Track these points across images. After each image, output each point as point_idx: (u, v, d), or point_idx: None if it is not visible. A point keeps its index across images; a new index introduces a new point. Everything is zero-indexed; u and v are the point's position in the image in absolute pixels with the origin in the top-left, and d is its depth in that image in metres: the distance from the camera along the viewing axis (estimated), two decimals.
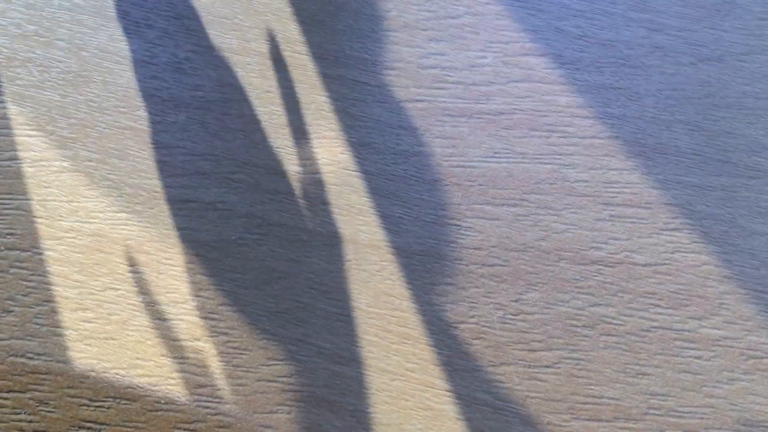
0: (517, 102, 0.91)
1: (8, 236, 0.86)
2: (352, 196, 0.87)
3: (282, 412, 0.76)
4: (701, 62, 0.92)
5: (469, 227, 0.84)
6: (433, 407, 0.76)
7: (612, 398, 0.75)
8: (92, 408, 0.77)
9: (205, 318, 0.80)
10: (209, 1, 1.00)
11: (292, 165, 0.89)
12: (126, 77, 0.95)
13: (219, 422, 0.76)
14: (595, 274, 0.80)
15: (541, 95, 0.91)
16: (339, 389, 0.77)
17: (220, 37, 0.98)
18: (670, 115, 0.90)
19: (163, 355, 0.79)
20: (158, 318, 0.81)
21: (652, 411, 0.74)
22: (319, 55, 0.96)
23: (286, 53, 0.96)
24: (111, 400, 0.77)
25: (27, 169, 0.90)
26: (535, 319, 0.79)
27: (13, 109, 0.94)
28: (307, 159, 0.89)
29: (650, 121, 0.89)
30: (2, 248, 0.85)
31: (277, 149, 0.90)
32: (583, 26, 0.96)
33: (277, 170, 0.88)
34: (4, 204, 0.88)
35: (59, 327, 0.81)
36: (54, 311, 0.81)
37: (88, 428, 0.76)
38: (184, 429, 0.76)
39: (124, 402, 0.77)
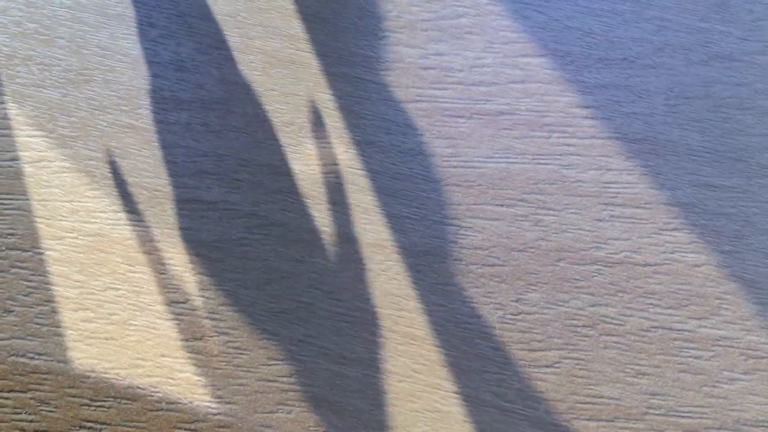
0: (517, 102, 0.93)
1: (9, 236, 0.87)
2: (356, 195, 0.88)
3: (282, 412, 0.77)
4: (712, 60, 0.94)
5: (469, 227, 0.86)
6: (441, 409, 0.77)
7: (612, 398, 0.76)
8: (93, 408, 0.78)
9: (206, 318, 0.82)
10: None
11: (295, 164, 0.90)
12: (127, 75, 0.97)
13: (219, 422, 0.77)
14: (595, 274, 0.82)
15: (542, 95, 0.93)
16: (342, 390, 0.78)
17: (223, 35, 0.99)
18: (681, 113, 0.91)
19: (163, 355, 0.80)
20: (159, 318, 0.82)
21: (652, 411, 0.76)
22: (323, 52, 0.98)
23: (290, 51, 0.98)
24: (112, 399, 0.79)
25: (28, 169, 0.92)
26: (535, 319, 0.80)
27: (13, 108, 0.95)
28: (310, 158, 0.91)
29: (661, 119, 0.91)
30: (3, 248, 0.87)
31: (280, 148, 0.92)
32: (591, 24, 0.98)
33: (280, 169, 0.90)
34: (5, 204, 0.89)
35: (60, 327, 0.82)
36: (55, 311, 0.83)
37: (89, 428, 0.77)
38: (185, 428, 0.77)
39: (125, 402, 0.78)
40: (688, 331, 0.78)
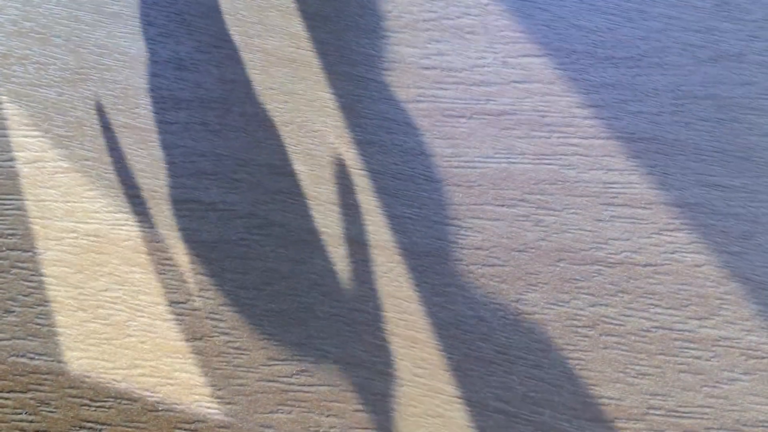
0: (519, 102, 0.97)
1: (9, 237, 0.91)
2: (357, 196, 0.92)
3: (283, 413, 0.81)
4: (720, 58, 0.97)
5: (470, 227, 0.90)
6: (443, 414, 0.79)
7: (612, 398, 0.80)
8: (93, 408, 0.82)
9: (205, 318, 0.86)
10: None
11: (295, 164, 0.94)
12: (125, 75, 1.01)
13: (220, 422, 0.81)
14: (596, 275, 0.86)
15: (544, 95, 0.97)
16: (342, 393, 0.82)
17: (222, 33, 1.03)
18: (689, 112, 0.94)
19: (163, 356, 0.84)
20: (159, 318, 0.86)
21: (652, 411, 0.79)
22: (324, 51, 1.01)
23: (290, 49, 1.02)
24: (112, 400, 0.82)
25: (25, 169, 0.95)
26: (535, 319, 0.84)
27: (9, 108, 0.99)
28: (310, 157, 0.95)
29: (668, 118, 0.94)
30: (3, 248, 0.91)
31: (280, 147, 0.95)
32: (596, 21, 1.01)
33: (279, 169, 0.94)
34: (5, 204, 0.93)
35: (60, 327, 0.86)
36: (55, 311, 0.87)
37: (89, 428, 0.81)
38: (185, 429, 0.80)
39: (125, 402, 0.82)
40: (689, 331, 0.82)
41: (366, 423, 0.79)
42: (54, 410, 0.82)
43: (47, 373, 0.83)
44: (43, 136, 0.97)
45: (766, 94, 0.95)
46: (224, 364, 0.83)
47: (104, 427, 0.81)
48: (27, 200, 0.93)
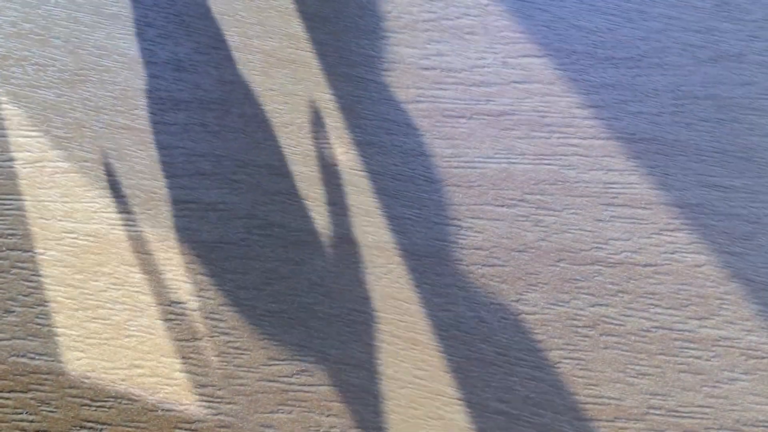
0: (519, 102, 0.99)
1: (9, 237, 0.93)
2: (357, 197, 0.94)
3: (283, 413, 0.83)
4: (720, 58, 1.00)
5: (470, 228, 0.92)
6: (444, 416, 0.81)
7: (612, 398, 0.82)
8: (93, 408, 0.84)
9: (206, 318, 0.88)
10: None
11: (294, 165, 0.97)
12: (124, 76, 1.03)
13: (220, 422, 0.83)
14: (596, 275, 0.88)
15: (544, 95, 0.99)
16: (342, 395, 0.83)
17: (222, 34, 1.06)
18: (689, 113, 0.96)
19: (163, 356, 0.86)
20: (159, 318, 0.88)
21: (652, 411, 0.81)
22: (323, 52, 1.04)
23: (289, 50, 1.04)
24: (112, 400, 0.84)
25: (25, 170, 0.98)
26: (536, 319, 0.86)
27: (8, 109, 1.02)
28: (310, 158, 0.97)
29: (668, 118, 0.96)
30: (3, 249, 0.93)
31: (280, 148, 0.98)
32: (596, 22, 1.04)
33: (279, 170, 0.96)
34: (5, 205, 0.96)
35: (60, 327, 0.88)
36: (55, 311, 0.89)
37: (90, 428, 0.83)
38: (185, 429, 0.83)
39: (125, 402, 0.84)
40: (689, 331, 0.84)
41: (366, 424, 0.81)
42: (54, 410, 0.84)
43: (48, 373, 0.86)
44: (42, 137, 0.99)
45: (767, 94, 0.97)
46: (224, 364, 0.85)
47: (104, 426, 0.83)
48: (27, 201, 0.95)
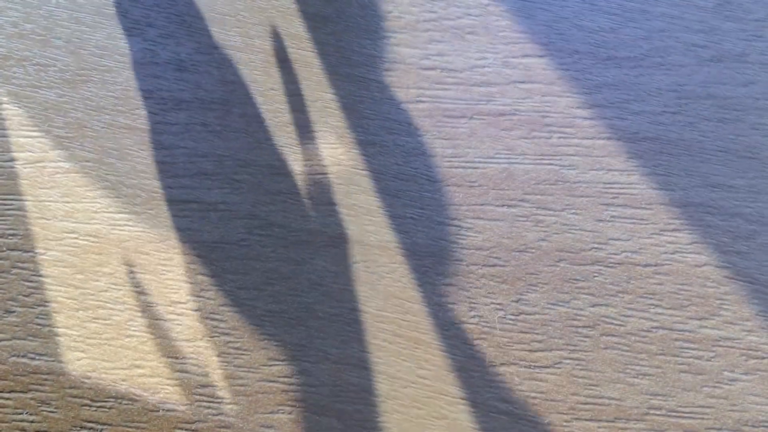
0: (519, 102, 1.01)
1: (10, 237, 0.96)
2: (359, 196, 0.96)
3: (283, 413, 0.85)
4: (723, 57, 1.02)
5: (471, 227, 0.94)
6: (448, 416, 0.83)
7: (612, 398, 0.84)
8: (93, 408, 0.86)
9: (206, 318, 0.90)
10: None
11: (296, 164, 0.99)
12: (125, 76, 1.05)
13: (220, 422, 0.85)
14: (596, 275, 0.90)
15: (545, 95, 1.01)
16: (344, 395, 0.85)
17: (223, 34, 1.08)
18: (692, 112, 0.98)
19: (164, 356, 0.88)
20: (159, 318, 0.90)
21: (652, 411, 0.83)
22: (324, 52, 1.06)
23: (291, 50, 1.06)
24: (112, 400, 0.86)
25: (26, 170, 1.00)
26: (536, 319, 0.88)
27: (9, 109, 1.04)
28: (311, 158, 0.99)
29: (671, 117, 0.98)
30: (4, 249, 0.95)
31: (281, 148, 1.00)
32: (599, 21, 1.06)
33: (280, 170, 0.98)
34: (6, 205, 0.98)
35: (61, 327, 0.90)
36: (55, 312, 0.91)
37: (90, 428, 0.85)
38: (185, 429, 0.84)
39: (126, 402, 0.86)
40: (689, 331, 0.86)
41: (368, 424, 0.83)
42: (55, 410, 0.86)
43: (48, 374, 0.88)
44: (43, 138, 1.01)
45: None
46: (225, 364, 0.87)
47: (105, 427, 0.85)
48: (27, 201, 0.97)
